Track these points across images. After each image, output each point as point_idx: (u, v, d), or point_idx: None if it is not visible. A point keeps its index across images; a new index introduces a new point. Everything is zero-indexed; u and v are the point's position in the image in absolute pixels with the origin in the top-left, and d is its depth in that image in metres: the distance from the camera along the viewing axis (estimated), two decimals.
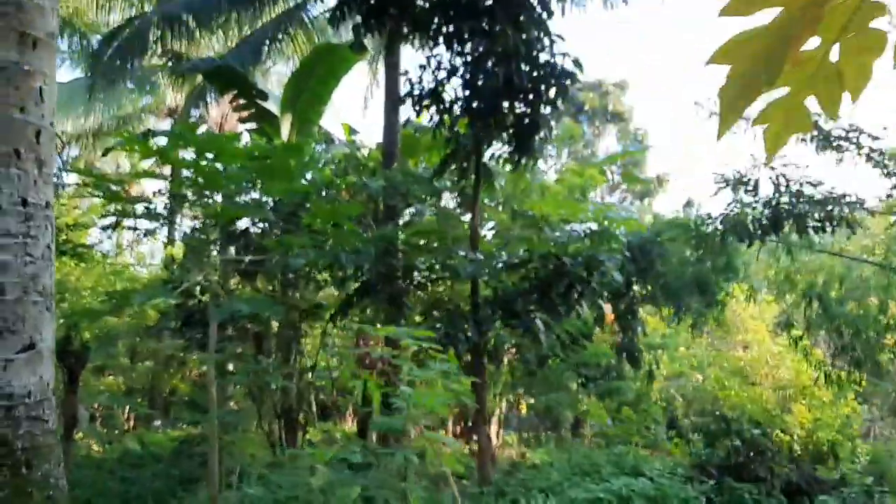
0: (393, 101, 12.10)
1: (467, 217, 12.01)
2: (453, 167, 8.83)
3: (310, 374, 12.83)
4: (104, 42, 14.26)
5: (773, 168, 8.39)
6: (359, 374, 16.27)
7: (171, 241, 18.74)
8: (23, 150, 3.37)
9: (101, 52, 14.11)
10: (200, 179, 8.54)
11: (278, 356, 11.95)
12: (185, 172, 9.26)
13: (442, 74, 8.22)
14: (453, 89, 8.22)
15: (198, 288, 9.58)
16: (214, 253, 9.02)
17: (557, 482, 7.76)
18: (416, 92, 8.24)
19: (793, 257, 12.85)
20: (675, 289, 11.94)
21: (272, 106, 14.15)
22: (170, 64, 16.00)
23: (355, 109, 63.41)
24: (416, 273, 8.67)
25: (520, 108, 7.69)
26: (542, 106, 7.47)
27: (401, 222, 10.79)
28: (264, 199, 9.39)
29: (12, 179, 3.34)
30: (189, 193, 10.32)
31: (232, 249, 10.73)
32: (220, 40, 17.87)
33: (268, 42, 14.14)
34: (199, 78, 16.77)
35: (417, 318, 9.42)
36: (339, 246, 7.85)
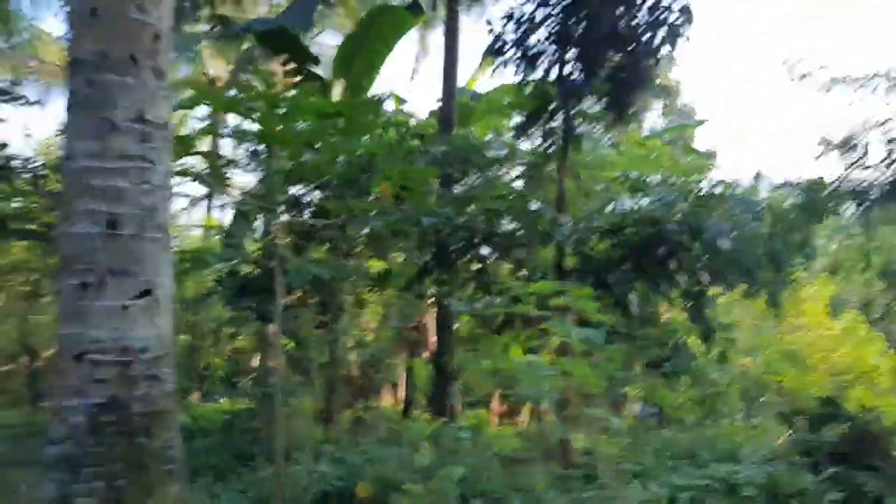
0: (448, 69, 11.57)
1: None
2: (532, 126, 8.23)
3: (353, 348, 12.35)
4: None
5: (884, 131, 7.71)
6: (397, 351, 15.87)
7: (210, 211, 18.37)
8: (139, 56, 2.80)
9: None
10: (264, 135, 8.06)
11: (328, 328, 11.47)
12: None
13: (526, 26, 7.61)
14: (537, 41, 7.61)
15: (258, 254, 9.13)
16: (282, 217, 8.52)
17: (649, 467, 7.19)
18: (498, 45, 7.64)
19: (869, 234, 12.20)
20: (747, 264, 11.27)
21: (320, 72, 13.62)
22: (216, 28, 15.49)
23: (400, 79, 62.25)
24: (496, 239, 8.07)
25: (617, 58, 7.04)
26: (645, 56, 6.83)
27: (456, 190, 10.27)
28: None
29: (128, 90, 2.77)
30: (248, 155, 9.93)
31: (284, 217, 10.26)
32: (265, 5, 17.31)
33: (320, 5, 13.53)
34: (245, 45, 16.23)
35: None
36: (416, 209, 7.30)
